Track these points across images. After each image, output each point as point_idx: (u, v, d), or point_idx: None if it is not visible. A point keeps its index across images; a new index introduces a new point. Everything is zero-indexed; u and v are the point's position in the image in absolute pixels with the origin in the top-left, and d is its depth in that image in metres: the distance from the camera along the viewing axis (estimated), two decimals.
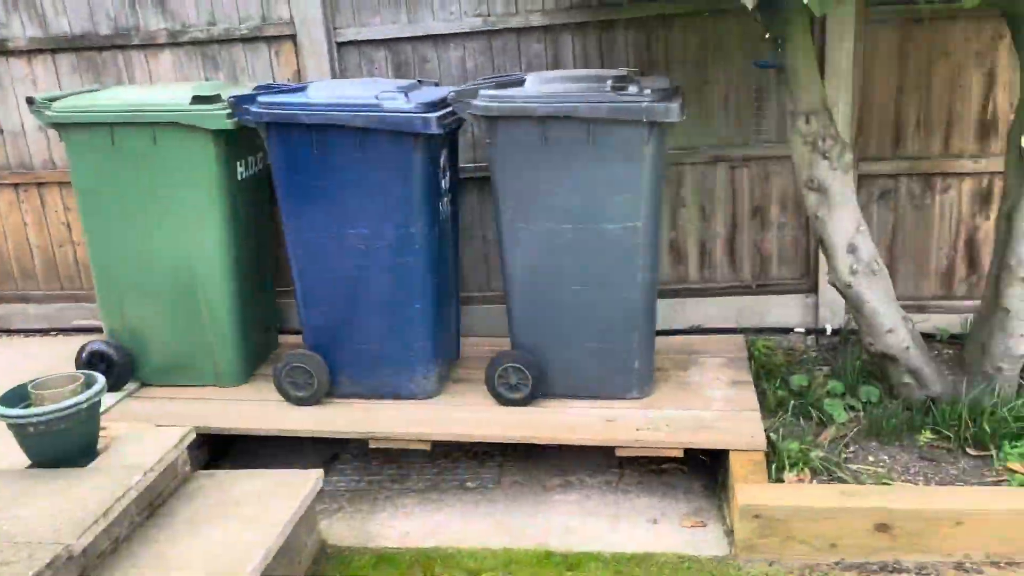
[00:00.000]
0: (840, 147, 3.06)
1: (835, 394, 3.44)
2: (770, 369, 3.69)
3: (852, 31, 3.58)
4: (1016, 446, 2.98)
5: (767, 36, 3.05)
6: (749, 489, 2.93)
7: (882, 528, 2.77)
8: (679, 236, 4.07)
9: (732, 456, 3.05)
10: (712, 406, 3.35)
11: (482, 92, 3.16)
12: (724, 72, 3.81)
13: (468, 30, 3.89)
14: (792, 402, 3.41)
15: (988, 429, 3.03)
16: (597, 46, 3.86)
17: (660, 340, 3.96)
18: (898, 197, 3.83)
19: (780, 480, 3.01)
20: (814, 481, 3.01)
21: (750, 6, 2.29)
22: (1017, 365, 3.10)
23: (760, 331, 4.05)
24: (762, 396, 3.49)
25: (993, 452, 3.01)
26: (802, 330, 4.03)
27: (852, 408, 3.39)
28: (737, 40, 3.74)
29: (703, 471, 3.38)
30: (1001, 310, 3.04)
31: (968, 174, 3.74)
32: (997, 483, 2.90)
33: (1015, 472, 2.89)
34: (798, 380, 3.52)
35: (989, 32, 3.56)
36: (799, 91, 3.04)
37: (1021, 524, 2.70)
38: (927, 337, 3.89)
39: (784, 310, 4.04)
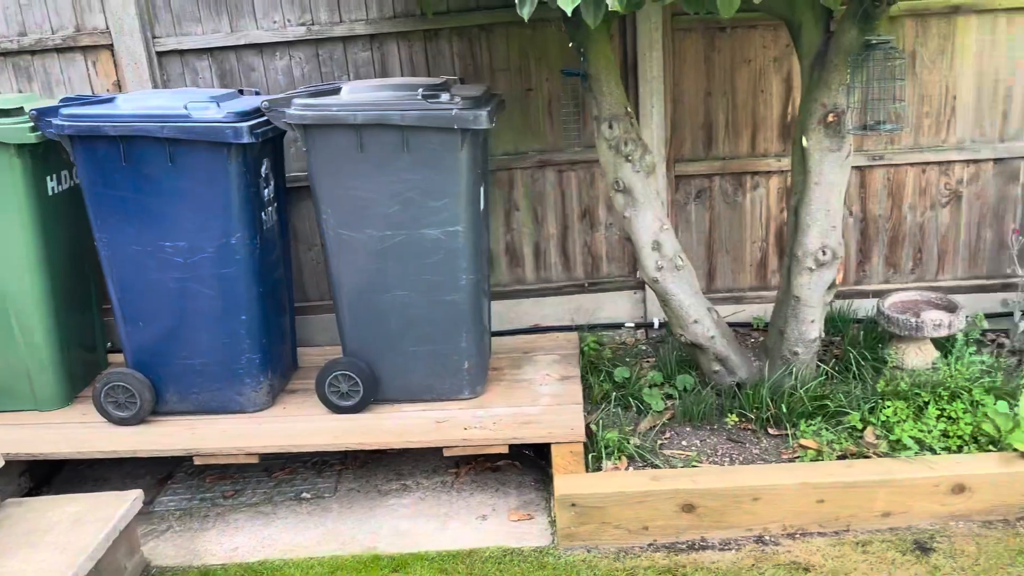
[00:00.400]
0: (641, 150, 3.22)
1: (654, 384, 3.62)
2: (598, 363, 3.84)
3: (660, 40, 3.77)
4: (811, 424, 3.21)
5: (571, 45, 3.18)
6: (567, 480, 3.05)
7: (688, 508, 2.94)
8: (514, 239, 4.18)
9: (554, 449, 3.16)
10: (540, 402, 3.45)
11: (296, 101, 3.16)
12: (547, 79, 3.94)
13: (293, 39, 3.88)
14: (615, 394, 3.56)
15: (786, 410, 3.26)
16: (424, 54, 3.92)
17: (498, 341, 4.07)
18: (713, 195, 4.06)
19: (599, 469, 3.14)
20: (630, 468, 3.16)
21: (526, 17, 2.40)
22: (811, 349, 3.34)
23: (594, 327, 4.20)
24: (589, 390, 3.63)
25: (790, 431, 3.23)
26: (632, 325, 4.21)
27: (670, 396, 3.57)
28: (557, 48, 3.88)
29: (536, 466, 3.49)
30: (793, 298, 3.27)
31: (774, 172, 4.00)
32: (792, 459, 3.11)
33: (807, 448, 3.11)
34: (621, 373, 3.68)
35: (784, 40, 3.82)
36: (602, 98, 3.18)
37: (810, 497, 2.92)
38: (745, 326, 4.16)
39: (615, 306, 4.21)
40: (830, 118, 3.06)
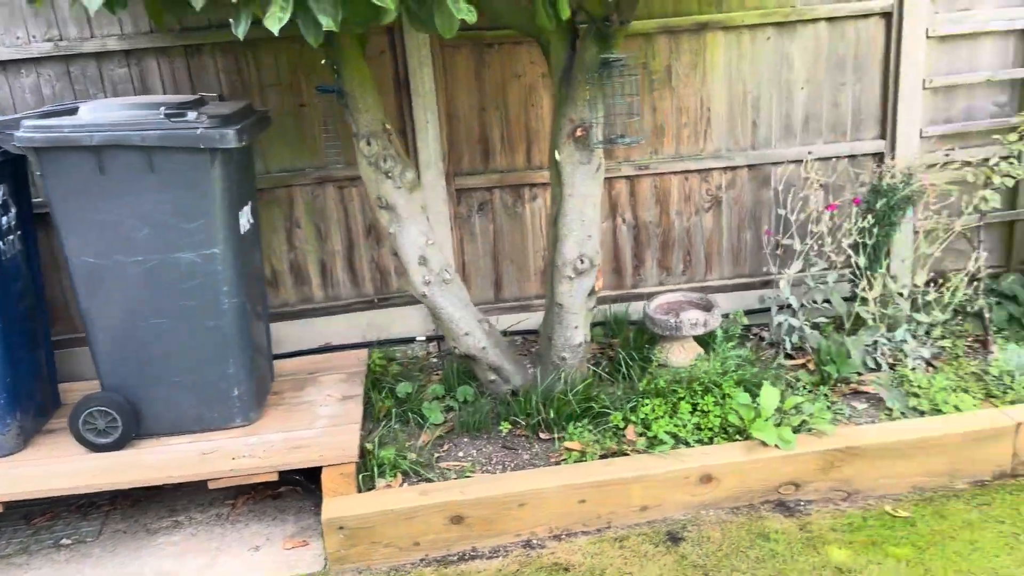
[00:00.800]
0: (402, 166, 3.23)
1: (436, 397, 3.64)
2: (383, 380, 3.81)
3: (429, 56, 3.80)
4: (578, 426, 3.32)
5: (323, 62, 3.15)
6: (335, 502, 3.00)
7: (457, 520, 2.97)
8: (298, 257, 4.10)
9: (324, 472, 3.09)
10: (316, 424, 3.39)
11: (25, 123, 2.96)
12: (320, 95, 3.89)
13: (38, 55, 3.63)
14: (396, 410, 3.55)
15: (555, 414, 3.35)
16: (186, 71, 3.77)
17: (285, 362, 3.98)
18: (494, 207, 4.14)
19: (372, 489, 3.11)
20: (404, 484, 3.15)
21: (241, 36, 2.35)
22: (577, 353, 3.45)
23: (386, 343, 4.18)
24: (371, 408, 3.60)
25: (558, 434, 3.33)
26: (424, 338, 4.22)
27: (451, 408, 3.59)
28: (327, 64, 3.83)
29: (319, 491, 3.42)
30: (556, 305, 3.37)
31: (549, 184, 4.11)
32: (558, 462, 3.20)
33: (572, 450, 3.21)
34: (404, 388, 3.68)
35: None
36: (358, 115, 3.17)
37: (573, 498, 3.01)
38: (532, 333, 4.26)
39: (406, 321, 4.20)
40: (578, 132, 3.18)
